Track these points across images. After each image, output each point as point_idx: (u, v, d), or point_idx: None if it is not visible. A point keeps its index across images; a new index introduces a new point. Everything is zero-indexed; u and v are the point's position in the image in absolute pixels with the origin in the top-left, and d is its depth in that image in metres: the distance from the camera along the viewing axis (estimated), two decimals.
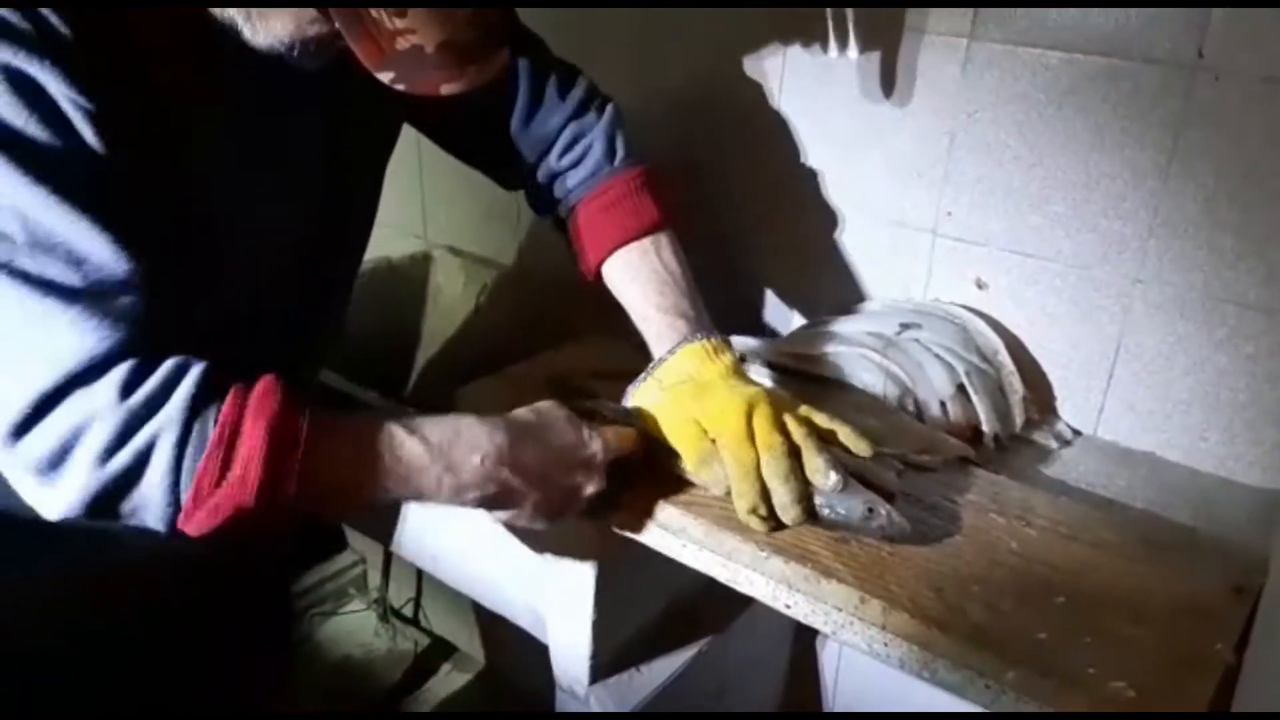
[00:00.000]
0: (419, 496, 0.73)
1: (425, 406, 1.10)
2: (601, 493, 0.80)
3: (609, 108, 0.98)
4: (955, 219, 1.08)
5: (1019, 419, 1.02)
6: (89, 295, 0.64)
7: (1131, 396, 1.02)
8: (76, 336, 0.63)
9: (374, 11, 0.64)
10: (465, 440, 0.74)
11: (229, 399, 0.65)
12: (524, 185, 1.01)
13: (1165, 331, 0.98)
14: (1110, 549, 0.81)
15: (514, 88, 0.95)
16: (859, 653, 0.76)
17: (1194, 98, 0.90)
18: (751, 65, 1.19)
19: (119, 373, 0.64)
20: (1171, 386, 0.99)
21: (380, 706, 1.77)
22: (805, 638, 1.33)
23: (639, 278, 0.93)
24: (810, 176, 1.18)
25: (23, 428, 0.62)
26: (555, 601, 1.03)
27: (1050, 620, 0.72)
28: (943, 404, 0.99)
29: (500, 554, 1.09)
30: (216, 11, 0.69)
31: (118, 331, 0.64)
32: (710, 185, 1.27)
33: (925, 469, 0.91)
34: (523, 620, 1.11)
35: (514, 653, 1.74)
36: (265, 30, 0.70)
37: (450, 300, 1.57)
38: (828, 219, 1.18)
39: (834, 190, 1.17)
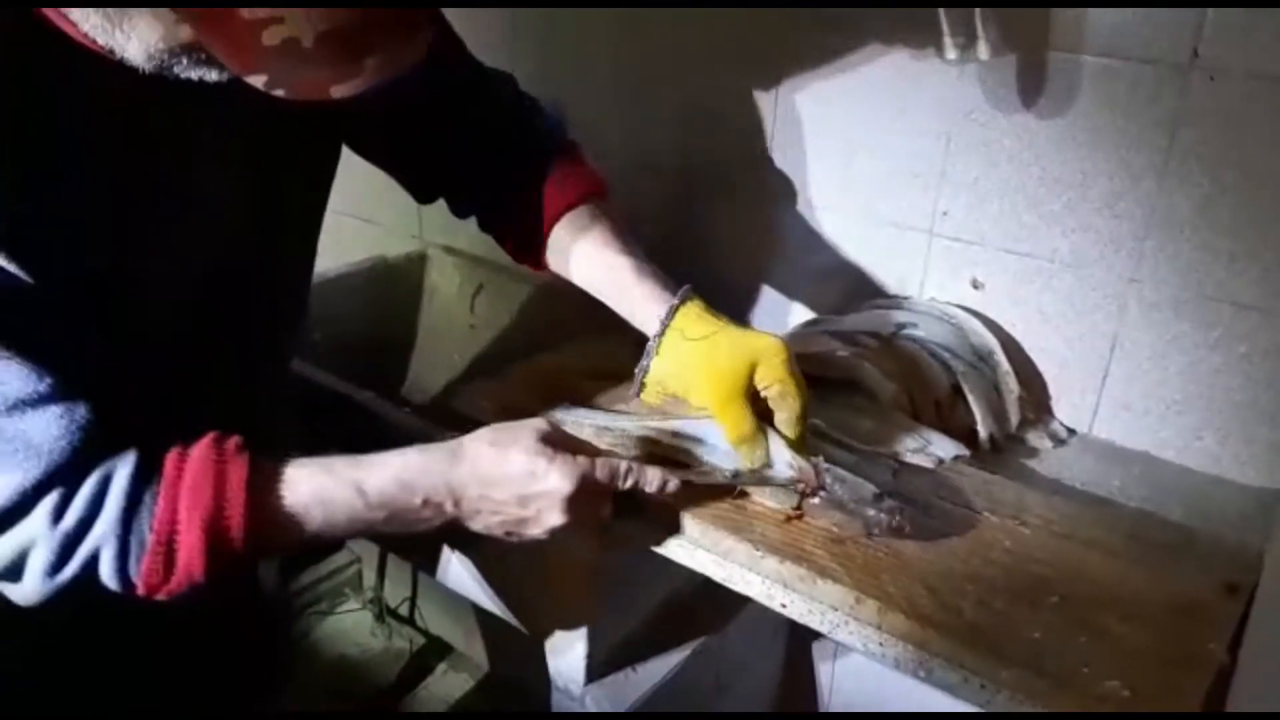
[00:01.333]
0: (373, 535, 0.77)
1: (421, 406, 1.11)
2: (570, 526, 0.76)
3: (534, 100, 0.98)
4: (951, 219, 1.08)
5: (1014, 418, 1.02)
6: (7, 425, 0.64)
7: (1126, 396, 1.02)
8: (3, 472, 0.64)
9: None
10: (406, 486, 0.74)
11: (161, 498, 0.67)
12: (449, 185, 0.98)
13: (1160, 331, 0.98)
14: (1104, 548, 0.81)
15: (444, 79, 0.92)
16: (855, 652, 0.76)
17: (1189, 97, 0.91)
18: (748, 67, 1.18)
19: (48, 501, 0.65)
20: (1166, 386, 0.99)
21: (376, 706, 1.77)
22: (801, 637, 1.33)
23: (599, 230, 0.91)
24: (807, 176, 1.18)
25: None
26: (550, 600, 1.03)
27: (1045, 619, 0.72)
28: (938, 404, 0.99)
29: (495, 553, 1.09)
30: (83, 26, 0.61)
31: (42, 459, 0.65)
32: (706, 186, 1.27)
33: (920, 468, 0.91)
34: (518, 620, 1.11)
35: (510, 652, 1.74)
36: (136, 39, 0.60)
37: (446, 299, 1.56)
38: (824, 219, 1.18)
39: (831, 190, 1.17)
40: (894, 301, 1.14)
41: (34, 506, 0.65)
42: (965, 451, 0.93)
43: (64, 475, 0.66)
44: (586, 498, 0.76)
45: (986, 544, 0.81)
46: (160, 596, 0.69)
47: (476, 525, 0.77)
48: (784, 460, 0.81)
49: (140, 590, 0.68)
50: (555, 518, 0.75)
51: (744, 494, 0.85)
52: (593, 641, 1.02)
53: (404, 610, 1.89)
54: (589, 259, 0.91)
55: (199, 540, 0.67)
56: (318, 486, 0.72)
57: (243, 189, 0.78)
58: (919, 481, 0.88)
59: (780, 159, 1.20)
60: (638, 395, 0.87)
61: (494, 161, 0.95)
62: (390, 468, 0.74)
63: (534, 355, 1.17)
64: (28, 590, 0.67)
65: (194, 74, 0.62)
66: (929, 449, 0.92)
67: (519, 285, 1.43)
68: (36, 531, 0.65)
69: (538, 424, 0.77)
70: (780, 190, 1.21)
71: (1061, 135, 0.99)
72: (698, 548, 0.83)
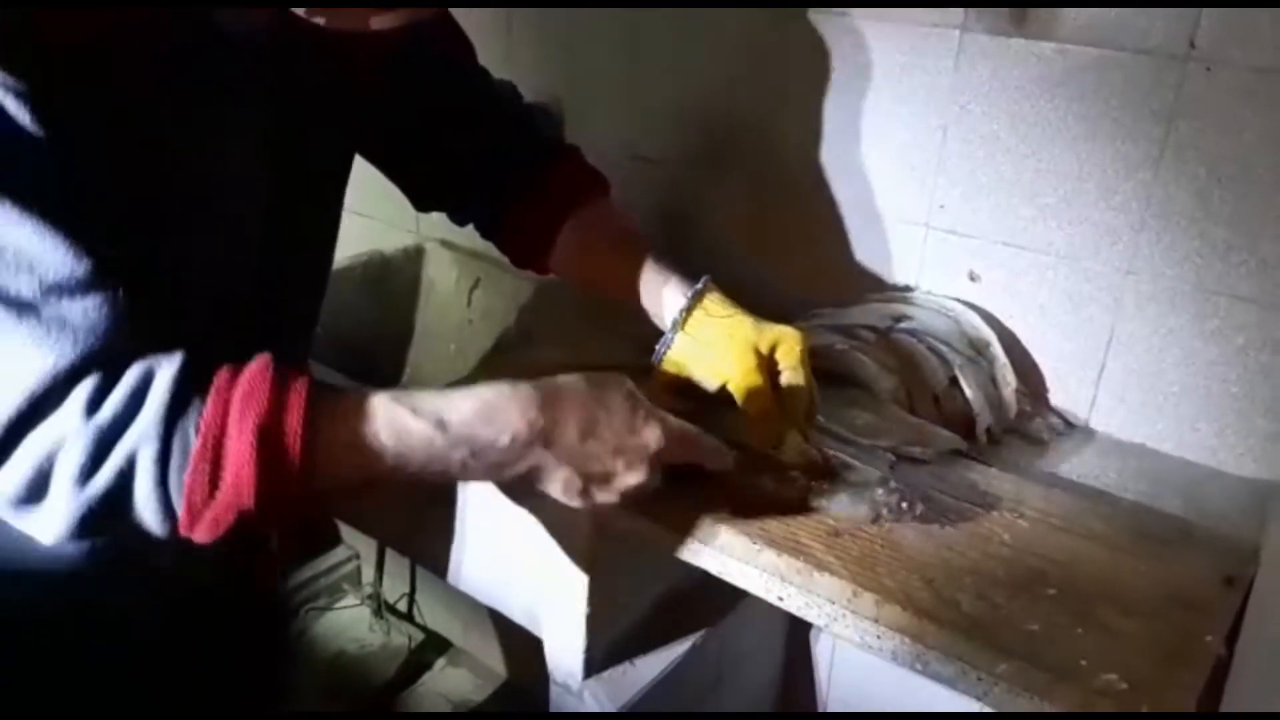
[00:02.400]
0: (444, 477, 0.66)
1: None
2: (644, 486, 0.71)
3: (536, 105, 1.01)
4: (948, 211, 1.08)
5: (1011, 411, 1.02)
6: (43, 307, 0.58)
7: (1123, 388, 1.02)
8: (35, 354, 0.58)
9: None
10: (492, 420, 0.65)
11: (210, 400, 0.59)
12: (451, 189, 0.99)
13: (1157, 323, 0.98)
14: (1101, 540, 0.81)
15: (459, 79, 0.95)
16: (852, 645, 0.76)
17: (1186, 89, 0.91)
18: (744, 58, 1.18)
19: (84, 389, 0.58)
20: (1163, 378, 0.99)
21: (374, 702, 1.78)
22: (799, 630, 1.33)
23: (610, 227, 0.94)
24: (803, 170, 1.18)
25: None
26: (549, 595, 1.03)
27: (1042, 612, 0.72)
28: (935, 397, 0.99)
29: (494, 547, 1.09)
30: None
31: (79, 343, 0.59)
32: (703, 182, 1.27)
33: (918, 461, 0.91)
34: (517, 614, 1.11)
35: (508, 647, 1.74)
36: None
37: (443, 294, 1.56)
38: (821, 212, 1.18)
39: (827, 184, 1.17)
40: (891, 295, 1.13)
41: (66, 394, 0.58)
42: (963, 444, 0.94)
43: (101, 361, 0.59)
44: (666, 459, 0.72)
45: (984, 537, 0.81)
46: (201, 530, 0.60)
47: (557, 476, 0.68)
48: (794, 445, 0.83)
49: (182, 513, 0.59)
50: (639, 475, 0.70)
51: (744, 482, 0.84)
52: (591, 636, 1.02)
53: (402, 606, 1.89)
54: (602, 255, 0.93)
55: (250, 447, 0.58)
56: (389, 412, 0.63)
57: (256, 178, 0.76)
58: (917, 474, 0.88)
59: (776, 152, 1.20)
60: (657, 366, 0.88)
61: (500, 166, 0.96)
62: (477, 398, 0.66)
63: (531, 350, 1.17)
64: (55, 509, 0.59)
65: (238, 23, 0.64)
66: (927, 442, 0.93)
67: (516, 280, 1.42)
68: (68, 427, 0.57)
69: (624, 378, 0.72)
70: (776, 183, 1.21)
71: (1057, 127, 0.99)
72: (695, 541, 0.83)
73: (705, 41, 1.21)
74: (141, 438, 0.58)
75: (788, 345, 0.85)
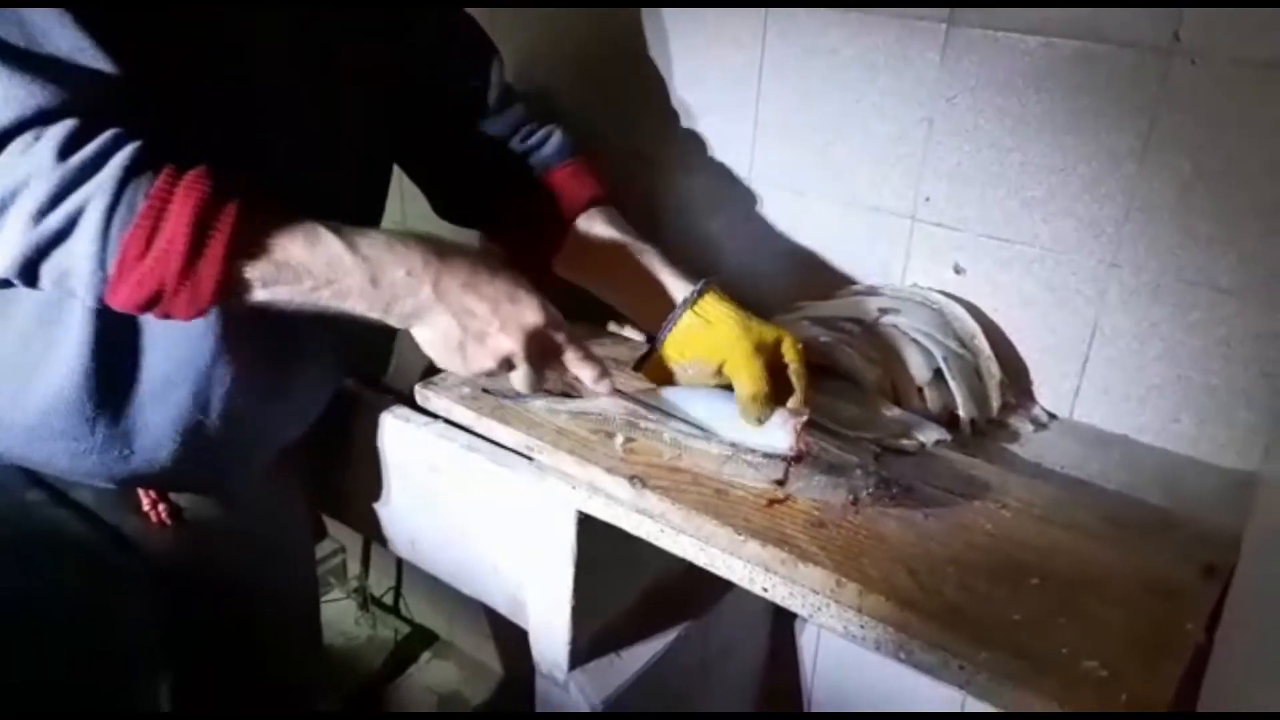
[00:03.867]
0: (340, 301, 0.73)
1: (402, 394, 1.10)
2: (515, 355, 0.78)
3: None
4: (933, 204, 1.08)
5: (996, 403, 1.02)
6: (27, 56, 0.64)
7: (1106, 380, 1.03)
8: (9, 90, 0.63)
9: None
10: (397, 253, 0.74)
11: (162, 175, 0.66)
12: (469, 189, 1.04)
13: (1140, 315, 0.99)
14: (1084, 531, 0.82)
15: (481, 80, 1.01)
16: (836, 635, 0.76)
17: (1170, 82, 0.91)
18: (729, 53, 1.18)
19: (57, 132, 0.64)
20: (1145, 370, 1.00)
21: (361, 695, 1.77)
22: (784, 620, 1.34)
23: (617, 228, 0.98)
24: (788, 162, 1.18)
25: None
26: (534, 587, 1.03)
27: (1024, 601, 0.73)
28: (920, 389, 1.00)
29: (479, 540, 1.09)
30: None
31: (53, 92, 0.64)
32: (686, 174, 1.27)
33: (903, 453, 0.91)
34: (502, 606, 1.11)
35: (494, 639, 1.75)
36: None
37: None
38: (806, 205, 1.18)
39: (813, 176, 1.17)
40: (876, 287, 1.14)
41: (41, 133, 0.64)
42: (947, 436, 0.94)
43: (81, 111, 0.65)
44: (543, 342, 0.79)
45: (967, 527, 0.81)
46: (121, 292, 0.67)
47: (433, 323, 0.76)
48: (776, 423, 0.85)
49: (112, 266, 0.65)
50: (511, 342, 0.77)
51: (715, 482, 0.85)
52: (577, 627, 1.02)
53: (388, 599, 1.89)
54: (608, 258, 0.97)
55: (189, 219, 0.65)
56: (311, 224, 0.71)
57: (289, 78, 0.82)
58: (902, 465, 0.89)
59: (762, 145, 1.20)
60: (662, 340, 0.91)
61: (509, 168, 1.01)
62: (387, 235, 0.74)
63: None
64: (6, 237, 0.65)
65: None
66: (911, 433, 0.93)
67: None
68: (39, 163, 0.63)
69: (515, 272, 0.80)
70: (762, 176, 1.21)
71: (1042, 120, 0.99)
72: (680, 533, 0.83)
73: (689, 35, 1.21)
74: (97, 189, 0.64)
75: (790, 342, 0.89)
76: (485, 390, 0.97)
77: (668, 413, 0.89)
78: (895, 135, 1.08)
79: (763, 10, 1.13)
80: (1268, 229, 0.90)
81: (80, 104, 0.66)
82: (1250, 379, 0.94)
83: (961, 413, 0.98)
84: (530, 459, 0.95)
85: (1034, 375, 1.07)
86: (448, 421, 1.04)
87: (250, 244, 0.68)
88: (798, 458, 0.83)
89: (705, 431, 0.88)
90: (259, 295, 0.70)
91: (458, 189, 1.06)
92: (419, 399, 1.03)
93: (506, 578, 1.08)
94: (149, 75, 0.70)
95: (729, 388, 0.89)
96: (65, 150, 0.64)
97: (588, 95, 1.32)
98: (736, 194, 1.24)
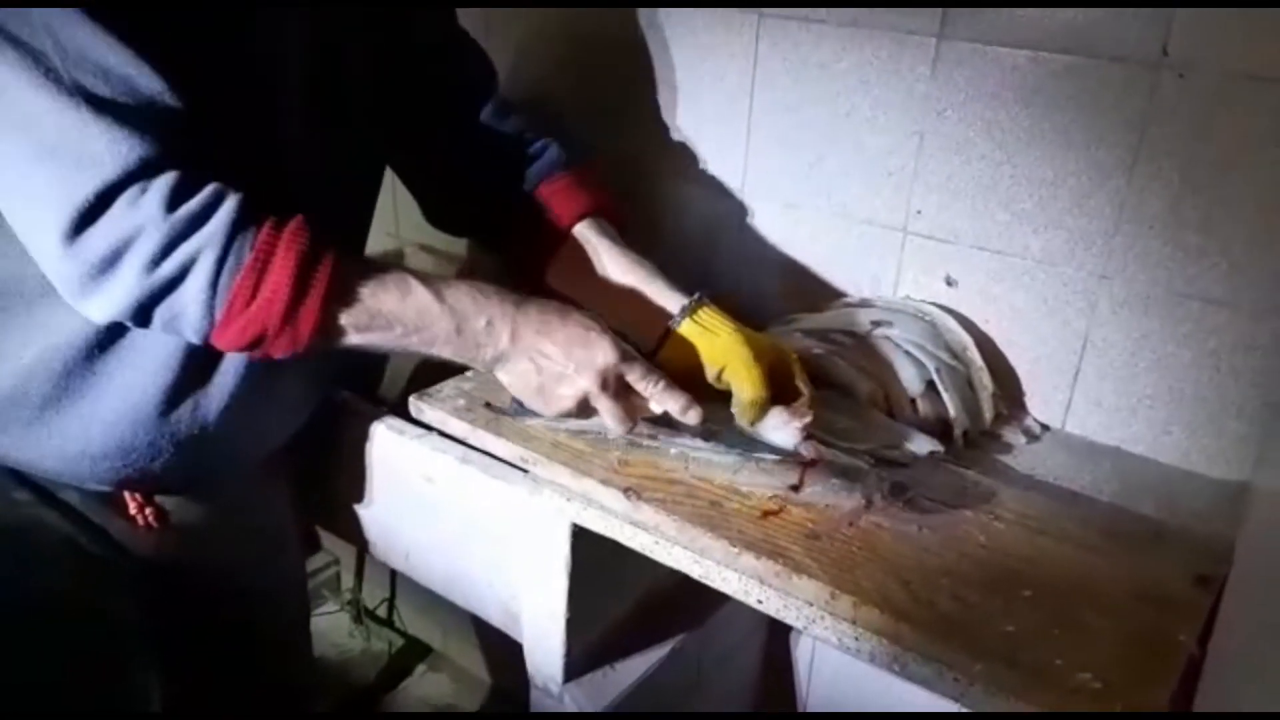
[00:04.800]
0: (428, 347, 0.79)
1: (396, 406, 1.10)
2: (589, 394, 0.82)
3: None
4: (925, 217, 1.09)
5: (988, 415, 1.03)
6: (118, 106, 0.68)
7: (1098, 391, 1.03)
8: (112, 144, 0.67)
9: None
10: (479, 302, 0.80)
11: (265, 228, 0.71)
12: (463, 196, 1.05)
13: (1130, 327, 0.99)
14: (1076, 541, 0.82)
15: (477, 91, 1.02)
16: (831, 647, 0.76)
17: (1158, 95, 0.92)
18: (722, 64, 1.19)
19: (163, 184, 0.69)
20: (1136, 381, 1.00)
21: (354, 708, 1.77)
22: (779, 632, 1.34)
23: (612, 240, 0.99)
24: (781, 175, 1.19)
25: (74, 232, 0.68)
26: (528, 599, 1.03)
27: (1018, 612, 0.73)
28: (913, 400, 1.00)
29: (473, 552, 1.08)
30: None
31: (151, 142, 0.68)
32: (681, 184, 1.28)
33: (896, 464, 0.91)
34: (496, 619, 1.11)
35: (488, 652, 1.74)
36: None
37: None
38: (798, 217, 1.19)
39: (805, 188, 1.17)
40: (869, 299, 1.14)
41: (147, 185, 0.68)
42: (940, 447, 0.94)
43: (178, 164, 0.70)
44: (620, 380, 0.82)
45: (961, 538, 0.81)
46: (227, 336, 0.72)
47: (514, 368, 0.82)
48: (779, 423, 0.85)
49: (220, 313, 0.71)
50: (587, 382, 0.81)
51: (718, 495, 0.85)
52: (571, 639, 1.02)
53: (382, 612, 1.88)
54: (602, 272, 0.97)
55: (291, 270, 0.71)
56: (400, 273, 0.78)
57: (294, 88, 0.85)
58: (895, 477, 0.89)
59: (755, 156, 1.20)
60: (662, 342, 0.91)
61: (507, 179, 1.02)
62: (465, 284, 0.81)
63: None
64: (120, 287, 0.69)
65: None
66: (905, 445, 0.93)
67: (497, 285, 1.42)
68: (149, 214, 0.68)
69: (601, 316, 0.85)
70: (753, 188, 1.22)
71: (1032, 133, 1.00)
72: (675, 545, 0.84)
73: (681, 46, 1.21)
74: (208, 240, 0.70)
75: (792, 356, 0.91)
76: (487, 405, 0.97)
77: (671, 425, 0.89)
78: (887, 148, 1.09)
79: (755, 21, 1.14)
80: (1256, 241, 0.90)
81: (173, 150, 0.70)
82: (1240, 390, 0.95)
83: (954, 424, 0.99)
84: (525, 471, 0.96)
85: (1026, 386, 1.08)
86: (442, 434, 1.04)
87: (346, 293, 0.74)
88: (812, 462, 0.83)
89: (710, 442, 0.88)
90: (353, 339, 0.76)
91: (451, 197, 1.07)
92: (413, 411, 1.03)
93: (501, 590, 1.08)
94: (193, 95, 0.73)
95: (725, 397, 0.89)
96: (173, 203, 0.69)
97: (580, 107, 1.33)
98: (729, 205, 1.25)
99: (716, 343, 0.89)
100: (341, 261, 0.74)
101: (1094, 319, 1.01)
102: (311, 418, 1.06)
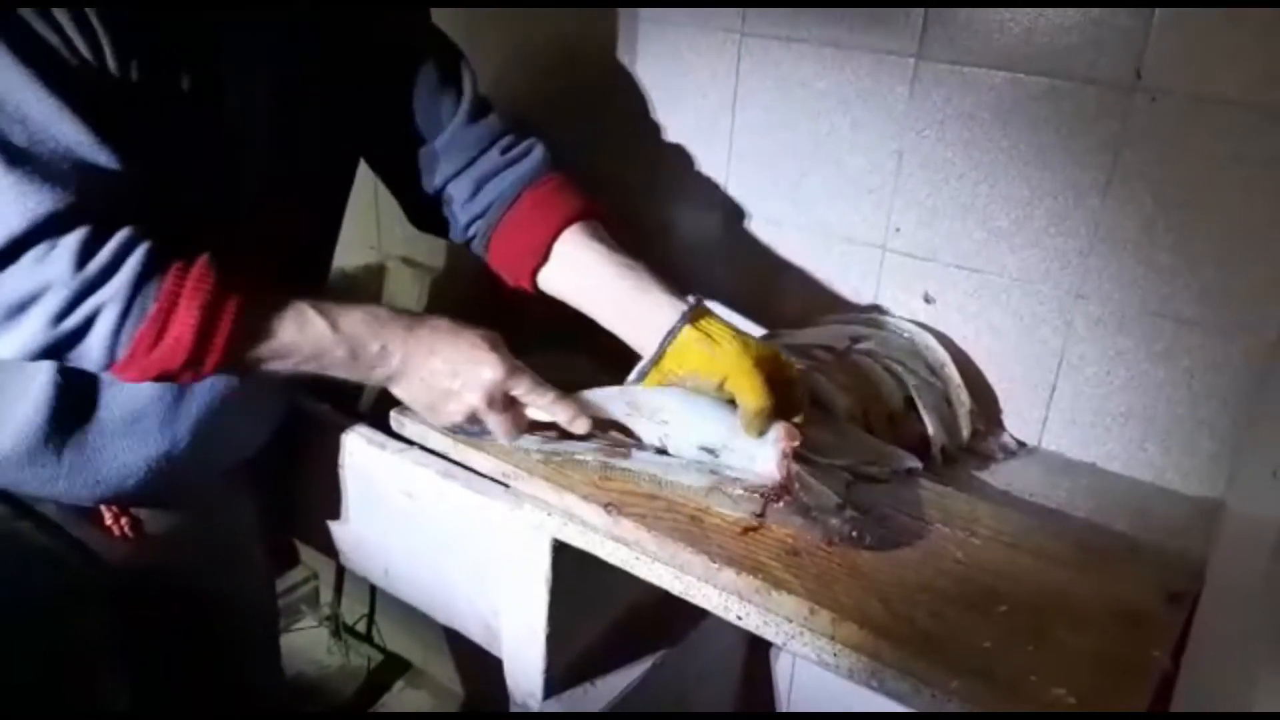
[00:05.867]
0: (325, 371, 0.82)
1: (376, 420, 1.10)
2: (477, 408, 0.85)
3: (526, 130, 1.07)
4: (904, 235, 1.10)
5: (965, 431, 1.04)
6: (32, 157, 0.68)
7: (1073, 409, 1.04)
8: (19, 199, 0.68)
9: None
10: (372, 329, 0.82)
11: (170, 277, 0.73)
12: (439, 198, 1.04)
13: (1105, 345, 1.00)
14: (1052, 557, 0.83)
15: (454, 91, 1.01)
16: (810, 663, 0.77)
17: (1132, 118, 0.93)
18: (704, 83, 1.20)
19: (72, 242, 0.69)
20: (1111, 399, 1.02)
21: None
22: (759, 649, 1.34)
23: (605, 244, 0.98)
24: (761, 193, 1.20)
25: None
26: (508, 615, 1.03)
27: (994, 628, 0.73)
28: (891, 416, 1.01)
29: (453, 568, 1.08)
30: None
31: (62, 196, 0.69)
32: (661, 202, 1.28)
33: (874, 480, 0.92)
34: (476, 635, 1.11)
35: (467, 668, 1.73)
36: None
37: None
38: (779, 234, 1.20)
39: (785, 205, 1.18)
40: (848, 316, 1.15)
41: (56, 241, 0.69)
42: (918, 464, 0.95)
43: (92, 216, 0.70)
44: (507, 396, 0.86)
45: (938, 554, 0.82)
46: (129, 374, 0.74)
47: (406, 386, 0.86)
48: (769, 441, 0.85)
49: (122, 358, 0.73)
50: (474, 397, 0.84)
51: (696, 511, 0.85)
52: (551, 656, 1.01)
53: (361, 627, 1.87)
54: (591, 276, 0.96)
55: (195, 319, 0.73)
56: (298, 306, 0.79)
57: (260, 110, 0.86)
58: (873, 493, 0.89)
59: (735, 174, 1.21)
60: (657, 360, 0.90)
61: (492, 184, 1.01)
62: (361, 310, 0.83)
63: None
64: (23, 338, 0.71)
65: None
66: (883, 461, 0.94)
67: (478, 298, 1.42)
68: (57, 271, 0.69)
69: (495, 333, 0.87)
70: (735, 205, 1.23)
71: (1009, 154, 1.01)
72: (655, 560, 0.84)
73: (664, 64, 1.22)
74: (113, 295, 0.71)
75: (792, 366, 0.91)
76: (458, 432, 0.96)
77: (641, 448, 0.89)
78: (866, 167, 1.10)
79: (737, 41, 1.15)
80: (1227, 262, 0.92)
81: (87, 200, 0.70)
82: (1212, 409, 0.96)
83: (932, 440, 1.00)
84: (506, 486, 0.95)
85: (1003, 403, 1.09)
86: (423, 448, 1.04)
87: (247, 333, 0.76)
88: (777, 496, 0.83)
89: (683, 459, 0.88)
90: (255, 369, 0.79)
91: (433, 200, 1.05)
92: (394, 425, 1.03)
93: (481, 606, 1.07)
94: (136, 126, 0.74)
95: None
96: (81, 259, 0.70)
97: (562, 125, 1.33)
98: (710, 222, 1.26)
99: (718, 351, 0.88)
100: (244, 303, 0.75)
101: (1070, 337, 1.02)
102: (287, 430, 1.06)
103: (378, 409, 1.30)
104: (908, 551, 0.82)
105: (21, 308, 0.70)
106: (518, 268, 1.00)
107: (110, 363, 0.74)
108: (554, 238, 0.98)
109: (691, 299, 0.92)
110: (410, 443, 1.04)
